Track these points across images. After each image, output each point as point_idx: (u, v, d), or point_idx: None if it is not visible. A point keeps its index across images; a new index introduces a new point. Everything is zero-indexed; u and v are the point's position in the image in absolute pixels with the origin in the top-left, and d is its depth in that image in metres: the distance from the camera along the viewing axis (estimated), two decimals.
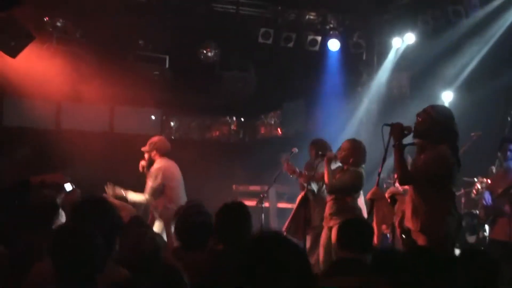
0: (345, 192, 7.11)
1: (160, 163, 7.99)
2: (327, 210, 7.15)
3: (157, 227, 7.91)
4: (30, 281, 3.51)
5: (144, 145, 8.15)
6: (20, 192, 5.49)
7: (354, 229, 4.47)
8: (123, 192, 7.85)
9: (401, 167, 5.40)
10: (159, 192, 7.90)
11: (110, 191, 7.70)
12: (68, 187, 6.93)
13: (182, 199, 7.87)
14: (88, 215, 3.75)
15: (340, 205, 7.04)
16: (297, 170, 7.70)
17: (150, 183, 7.92)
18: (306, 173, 7.68)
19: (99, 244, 3.33)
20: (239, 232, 4.31)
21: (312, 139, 8.11)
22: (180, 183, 8.14)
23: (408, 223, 5.47)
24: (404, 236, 5.58)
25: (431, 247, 5.07)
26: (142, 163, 8.10)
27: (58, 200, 6.29)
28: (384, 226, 6.24)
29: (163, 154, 8.05)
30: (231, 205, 4.53)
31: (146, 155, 8.07)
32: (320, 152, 7.43)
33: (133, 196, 7.90)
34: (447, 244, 5.25)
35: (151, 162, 8.04)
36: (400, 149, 5.39)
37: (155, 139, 8.20)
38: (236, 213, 4.45)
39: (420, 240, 5.27)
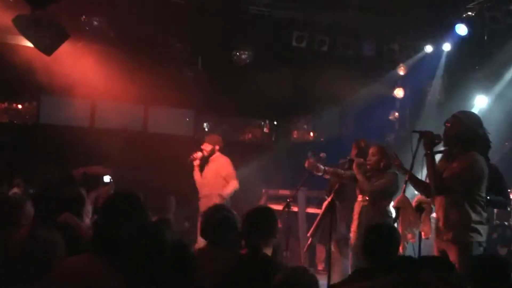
0: (383, 195, 6.91)
1: None
2: (364, 216, 6.97)
3: None
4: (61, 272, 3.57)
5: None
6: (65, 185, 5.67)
7: (379, 235, 4.34)
8: None
9: (435, 176, 5.30)
10: None
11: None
12: (106, 178, 7.10)
13: None
14: (118, 211, 3.79)
15: (377, 210, 6.85)
16: (321, 166, 7.31)
17: None
18: (331, 169, 7.39)
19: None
20: (264, 238, 4.31)
21: (357, 139, 7.88)
22: None
23: (440, 234, 5.37)
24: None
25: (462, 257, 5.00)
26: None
27: (93, 193, 6.46)
28: (409, 235, 6.13)
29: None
30: (259, 210, 4.54)
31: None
32: (348, 157, 7.35)
33: None
34: (475, 253, 5.13)
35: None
36: (432, 157, 5.30)
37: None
38: (264, 218, 4.44)
39: (452, 251, 5.19)
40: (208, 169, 8.91)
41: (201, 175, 8.91)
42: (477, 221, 5.22)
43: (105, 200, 4.12)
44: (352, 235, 7.09)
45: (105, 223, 3.78)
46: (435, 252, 5.48)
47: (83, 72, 9.66)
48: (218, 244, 4.46)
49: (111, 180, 7.03)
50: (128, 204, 3.84)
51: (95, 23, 9.71)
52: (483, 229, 5.25)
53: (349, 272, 7.02)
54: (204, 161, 8.92)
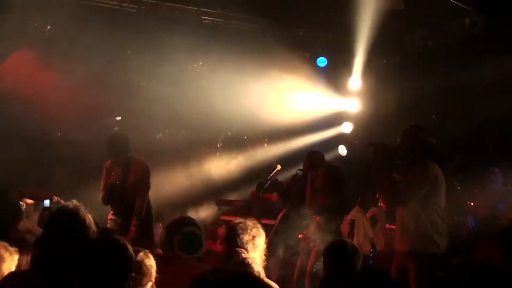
0: (332, 215, 6.86)
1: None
2: (313, 231, 6.91)
3: None
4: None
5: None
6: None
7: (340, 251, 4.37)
8: None
9: (390, 190, 5.32)
10: None
11: None
12: (46, 203, 6.75)
13: None
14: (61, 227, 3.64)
15: (328, 229, 6.67)
16: None
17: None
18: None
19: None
20: None
21: (308, 151, 7.89)
22: None
23: (398, 245, 5.39)
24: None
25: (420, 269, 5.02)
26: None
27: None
28: (366, 247, 6.18)
29: None
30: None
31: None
32: (298, 170, 7.34)
33: None
34: (432, 265, 5.15)
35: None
36: (386, 171, 5.33)
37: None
38: None
39: (410, 262, 5.21)
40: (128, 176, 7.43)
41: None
42: (434, 231, 5.24)
43: (47, 219, 3.94)
44: (302, 247, 7.03)
45: (48, 241, 3.62)
46: (393, 268, 5.43)
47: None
48: None
49: (52, 205, 6.73)
50: (69, 220, 3.65)
51: None
52: (440, 240, 5.26)
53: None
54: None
